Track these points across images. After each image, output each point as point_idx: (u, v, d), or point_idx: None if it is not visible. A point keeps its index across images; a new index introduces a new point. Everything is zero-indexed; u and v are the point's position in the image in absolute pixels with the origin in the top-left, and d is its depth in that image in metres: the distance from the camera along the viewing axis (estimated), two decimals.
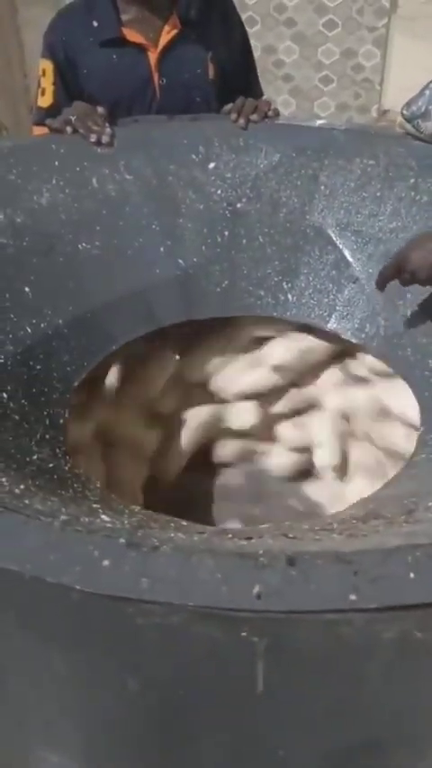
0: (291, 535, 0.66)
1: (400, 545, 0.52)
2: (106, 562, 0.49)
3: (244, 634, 0.47)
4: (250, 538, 0.65)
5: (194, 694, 0.53)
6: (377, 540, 0.62)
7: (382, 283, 1.13)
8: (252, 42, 1.55)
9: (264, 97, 1.46)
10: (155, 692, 0.53)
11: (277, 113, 1.37)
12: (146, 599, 0.47)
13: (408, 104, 1.22)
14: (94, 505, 0.74)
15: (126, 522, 0.65)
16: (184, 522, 0.78)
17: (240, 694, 0.52)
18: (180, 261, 1.29)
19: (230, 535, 0.69)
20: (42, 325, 1.09)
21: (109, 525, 0.61)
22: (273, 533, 0.69)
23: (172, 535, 0.61)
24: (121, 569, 0.49)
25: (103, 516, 0.66)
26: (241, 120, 1.33)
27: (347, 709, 0.53)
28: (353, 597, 0.47)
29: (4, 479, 0.69)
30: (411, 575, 0.49)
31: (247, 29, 1.53)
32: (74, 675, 0.55)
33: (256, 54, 1.57)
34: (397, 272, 1.08)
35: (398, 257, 1.08)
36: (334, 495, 1.32)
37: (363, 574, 0.49)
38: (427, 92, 1.19)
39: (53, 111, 1.35)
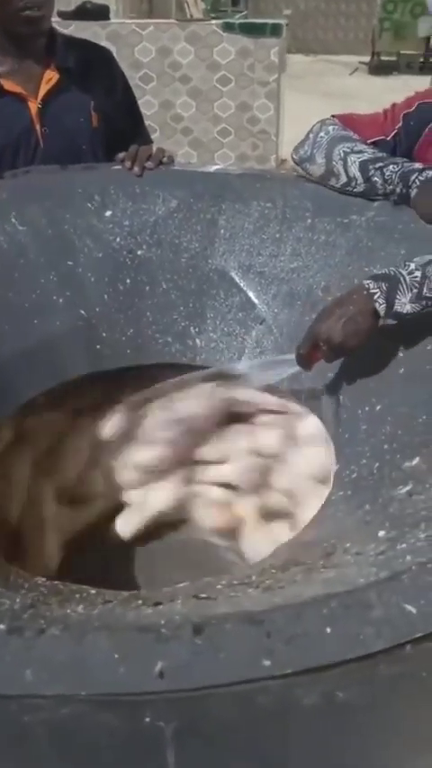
0: (203, 595, 0.61)
1: (315, 597, 0.48)
2: None
3: (148, 720, 0.42)
4: (159, 603, 0.59)
5: None
6: (293, 593, 0.58)
7: (301, 361, 1.07)
8: (149, 98, 1.57)
9: (157, 146, 1.46)
10: None
11: (172, 160, 1.37)
12: (31, 693, 0.41)
13: (295, 149, 1.26)
14: None
15: (18, 600, 0.58)
16: (93, 591, 0.72)
17: None
18: (82, 311, 1.24)
19: (140, 601, 0.63)
20: None
21: None
22: (185, 594, 0.64)
23: (68, 611, 0.55)
24: (2, 660, 0.42)
25: None
26: (136, 168, 1.32)
27: None
28: (266, 663, 0.43)
29: None
30: (327, 629, 0.45)
31: (144, 85, 1.54)
32: None
33: (154, 109, 1.59)
34: (312, 346, 1.04)
35: (309, 332, 1.04)
36: None
37: (276, 634, 0.44)
38: (311, 136, 1.22)
39: None
